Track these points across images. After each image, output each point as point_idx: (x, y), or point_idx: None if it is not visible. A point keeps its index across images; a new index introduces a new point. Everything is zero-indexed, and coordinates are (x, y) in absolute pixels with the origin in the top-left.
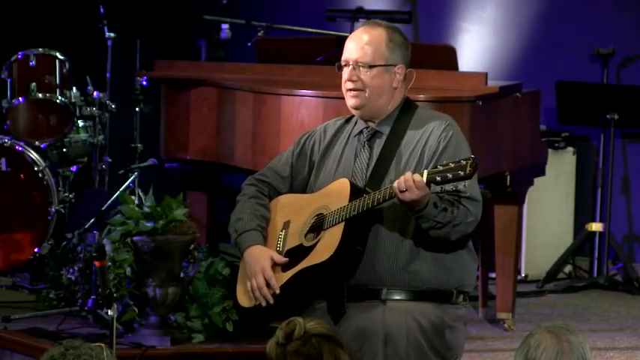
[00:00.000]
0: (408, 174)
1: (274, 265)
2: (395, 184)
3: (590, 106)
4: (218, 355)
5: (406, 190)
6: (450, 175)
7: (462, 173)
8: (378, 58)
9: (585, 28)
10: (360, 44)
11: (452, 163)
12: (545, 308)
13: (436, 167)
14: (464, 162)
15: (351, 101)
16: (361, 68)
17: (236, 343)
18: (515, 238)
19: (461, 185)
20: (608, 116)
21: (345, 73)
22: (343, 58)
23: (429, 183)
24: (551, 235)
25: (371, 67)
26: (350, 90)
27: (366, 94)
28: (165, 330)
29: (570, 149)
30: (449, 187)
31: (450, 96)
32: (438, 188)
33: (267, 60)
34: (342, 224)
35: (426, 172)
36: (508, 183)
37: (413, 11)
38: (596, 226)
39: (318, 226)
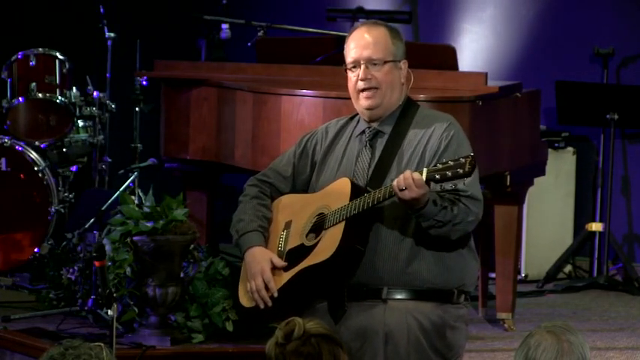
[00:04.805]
0: (408, 172)
1: (275, 266)
2: (394, 183)
3: (590, 106)
4: (218, 355)
5: (405, 188)
6: (449, 173)
7: (461, 171)
8: (388, 54)
9: (585, 28)
10: (367, 43)
11: (451, 161)
12: (545, 308)
13: (436, 165)
14: (463, 160)
15: (365, 102)
16: (375, 66)
17: (236, 343)
18: (515, 238)
19: (461, 184)
20: (608, 116)
21: (355, 74)
22: (352, 59)
23: (428, 181)
24: (551, 235)
25: (385, 62)
26: (364, 90)
27: (382, 92)
28: (165, 330)
29: (570, 149)
30: (448, 185)
31: (450, 96)
32: (437, 187)
33: (267, 60)
34: (343, 223)
35: (425, 171)
36: (508, 183)
37: (413, 11)
38: (596, 226)
39: (319, 226)
